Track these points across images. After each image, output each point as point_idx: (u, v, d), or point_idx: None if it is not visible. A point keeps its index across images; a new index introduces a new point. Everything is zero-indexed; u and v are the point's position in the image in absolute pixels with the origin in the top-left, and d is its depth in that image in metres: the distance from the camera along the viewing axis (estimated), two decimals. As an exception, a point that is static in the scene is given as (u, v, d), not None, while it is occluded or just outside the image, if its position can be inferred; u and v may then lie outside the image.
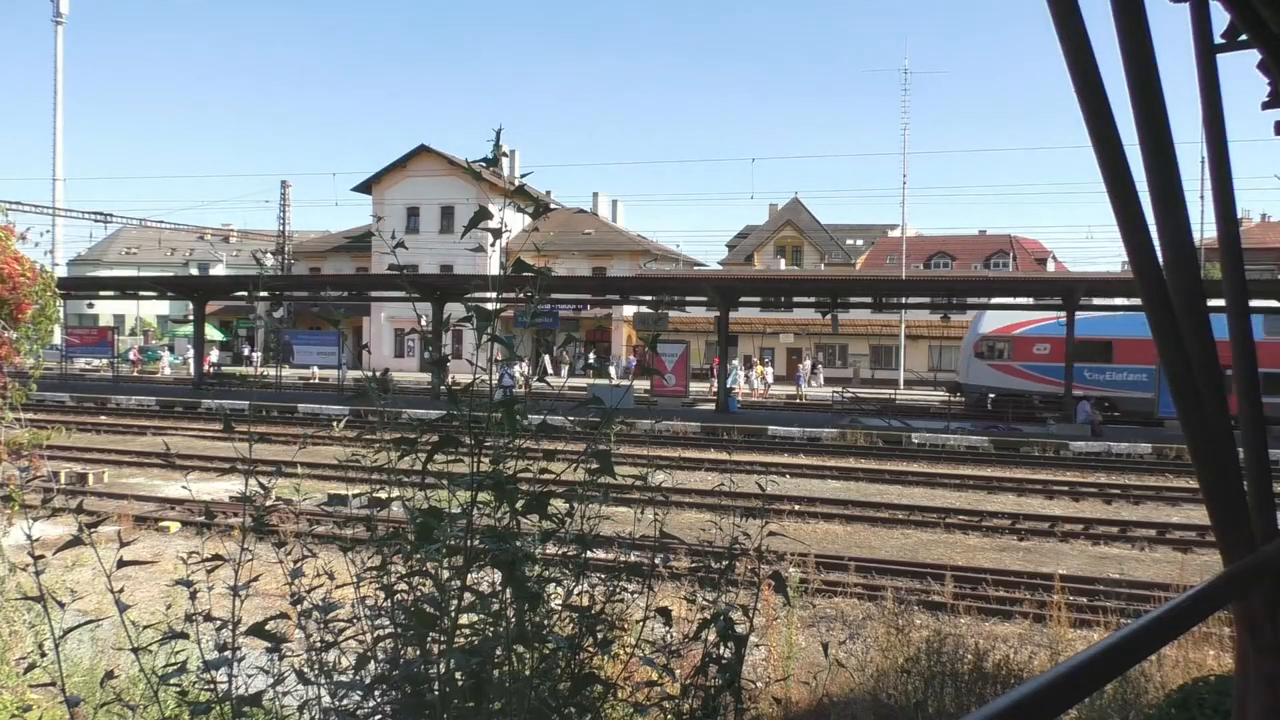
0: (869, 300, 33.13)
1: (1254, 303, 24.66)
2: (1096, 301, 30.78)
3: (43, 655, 3.41)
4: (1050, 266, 60.18)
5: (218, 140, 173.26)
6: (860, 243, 69.36)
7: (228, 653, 2.95)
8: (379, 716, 2.92)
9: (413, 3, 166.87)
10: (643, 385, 30.65)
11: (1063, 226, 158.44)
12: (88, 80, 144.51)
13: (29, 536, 3.35)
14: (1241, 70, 3.10)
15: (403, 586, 3.04)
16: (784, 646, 7.82)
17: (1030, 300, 31.83)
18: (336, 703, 2.98)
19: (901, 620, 8.14)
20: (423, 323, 9.31)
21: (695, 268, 65.42)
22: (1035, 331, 31.00)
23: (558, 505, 3.04)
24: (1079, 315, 28.45)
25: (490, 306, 2.92)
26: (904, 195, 49.98)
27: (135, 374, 50.06)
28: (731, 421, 28.11)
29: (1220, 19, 2.74)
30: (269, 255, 58.85)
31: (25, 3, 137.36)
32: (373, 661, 3.01)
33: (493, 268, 3.19)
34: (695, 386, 35.98)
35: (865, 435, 26.26)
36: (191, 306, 39.23)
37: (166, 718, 3.24)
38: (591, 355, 52.00)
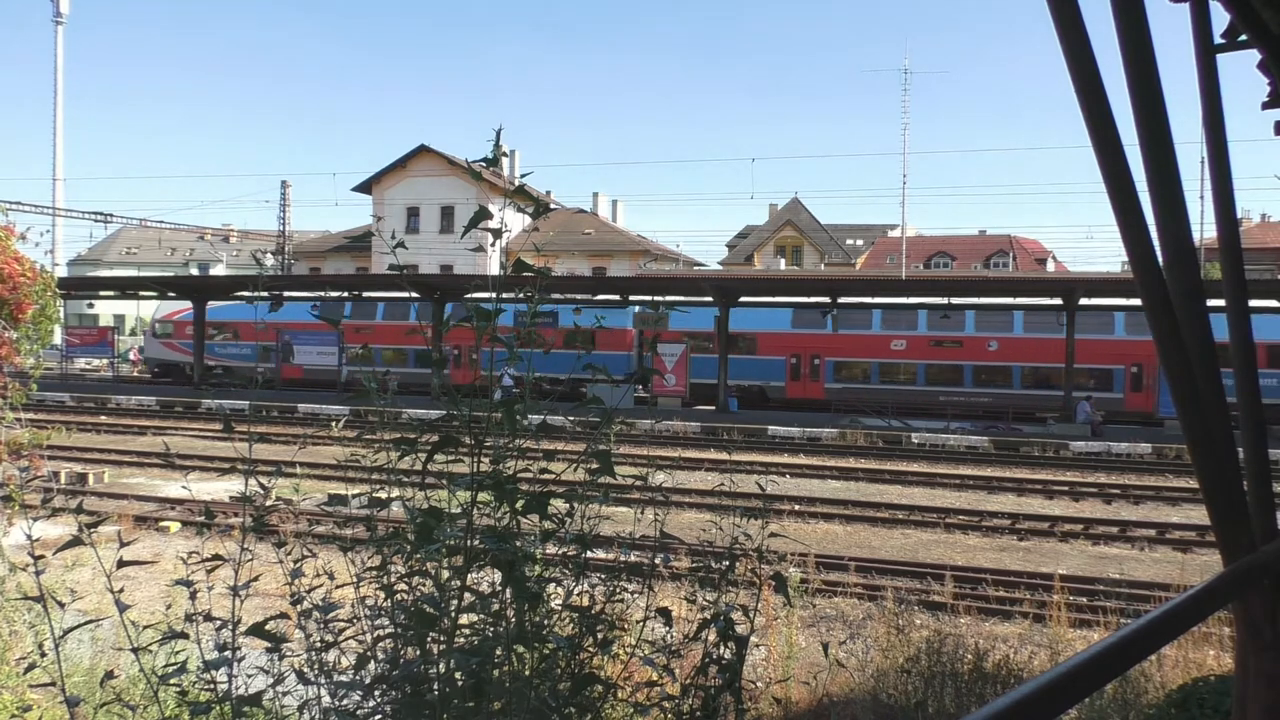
0: (869, 300, 33.05)
1: (1253, 302, 24.64)
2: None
3: (43, 655, 3.41)
4: (1050, 266, 60.16)
5: (218, 140, 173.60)
6: (860, 243, 69.33)
7: (228, 653, 2.95)
8: (379, 716, 2.92)
9: (413, 3, 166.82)
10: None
11: (1063, 226, 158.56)
12: (88, 80, 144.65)
13: (29, 536, 3.36)
14: (1241, 70, 3.10)
15: (403, 586, 3.04)
16: (784, 646, 7.81)
17: (1030, 300, 31.79)
18: (336, 703, 2.98)
19: (901, 620, 8.16)
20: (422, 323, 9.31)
21: (695, 268, 65.39)
22: (187, 316, 38.73)
23: (558, 505, 3.04)
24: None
25: (490, 306, 2.92)
26: (904, 195, 50.09)
27: (135, 374, 50.04)
28: (731, 421, 28.11)
29: (1220, 19, 2.75)
30: (269, 255, 58.82)
31: (25, 3, 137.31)
32: (373, 661, 3.01)
33: (493, 268, 3.18)
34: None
35: (865, 435, 26.26)
36: (191, 306, 39.31)
37: (166, 718, 3.24)
38: None
